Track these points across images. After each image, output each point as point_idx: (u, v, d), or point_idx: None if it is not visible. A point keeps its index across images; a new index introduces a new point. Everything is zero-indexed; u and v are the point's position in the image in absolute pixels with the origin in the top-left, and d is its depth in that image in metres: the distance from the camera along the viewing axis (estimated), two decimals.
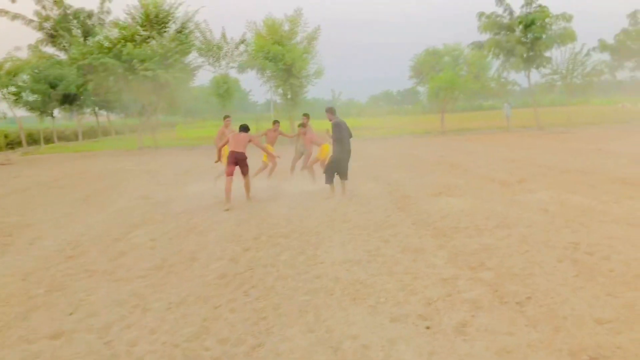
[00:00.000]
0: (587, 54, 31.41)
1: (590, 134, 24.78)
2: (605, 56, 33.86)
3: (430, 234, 6.83)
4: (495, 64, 30.94)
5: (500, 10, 30.39)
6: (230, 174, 9.53)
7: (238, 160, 9.61)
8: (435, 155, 17.29)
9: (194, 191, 11.68)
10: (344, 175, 9.89)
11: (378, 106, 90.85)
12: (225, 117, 11.91)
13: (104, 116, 53.65)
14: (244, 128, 9.97)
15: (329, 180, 9.85)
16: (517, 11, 30.34)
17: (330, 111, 9.76)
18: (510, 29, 30.41)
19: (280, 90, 29.32)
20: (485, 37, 31.25)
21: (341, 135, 9.55)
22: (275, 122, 12.29)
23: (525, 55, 29.73)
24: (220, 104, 30.48)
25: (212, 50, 29.27)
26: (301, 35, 28.84)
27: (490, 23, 30.40)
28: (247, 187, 9.99)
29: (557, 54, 50.50)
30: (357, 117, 60.46)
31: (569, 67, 31.18)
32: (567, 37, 29.00)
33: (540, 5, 29.42)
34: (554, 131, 28.43)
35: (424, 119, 44.83)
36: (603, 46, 33.81)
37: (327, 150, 11.41)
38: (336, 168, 9.73)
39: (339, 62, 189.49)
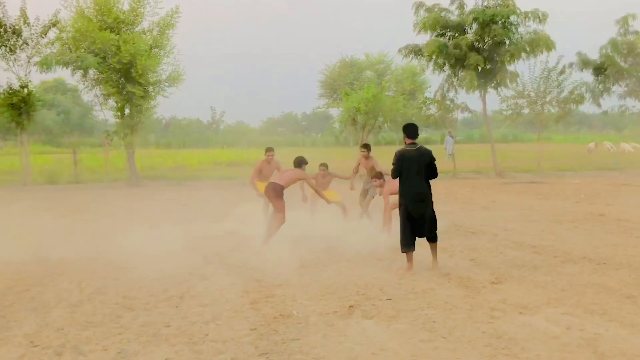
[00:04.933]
0: (562, 72, 31.06)
1: (573, 187, 24.54)
2: (586, 76, 34.23)
3: None
4: (437, 81, 30.40)
5: (447, 1, 30.74)
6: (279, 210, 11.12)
7: (272, 192, 11.07)
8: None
9: None
10: (425, 232, 9.45)
11: (276, 133, 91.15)
12: (268, 150, 13.59)
13: None
14: (299, 162, 11.55)
15: (404, 244, 9.39)
16: (471, 3, 30.82)
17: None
18: (460, 29, 30.32)
19: (112, 103, 27.45)
20: (424, 39, 31.00)
21: (402, 169, 9.43)
22: (322, 165, 13.81)
23: (480, 67, 29.58)
24: (16, 121, 26.62)
25: (5, 36, 26.22)
26: (149, 19, 27.54)
27: (433, 19, 30.03)
28: (271, 228, 11.10)
29: (523, 69, 51.60)
30: (246, 146, 59.44)
31: (539, 89, 30.59)
32: (540, 43, 28.97)
33: None
34: (520, 180, 28.34)
35: (336, 154, 43.33)
36: (584, 62, 33.88)
37: None
38: (409, 224, 9.37)
39: (224, 70, 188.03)
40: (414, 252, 9.30)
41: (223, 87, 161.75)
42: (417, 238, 9.36)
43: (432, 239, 9.42)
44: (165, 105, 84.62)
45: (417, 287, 8.22)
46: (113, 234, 12.27)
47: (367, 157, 13.54)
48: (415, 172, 9.32)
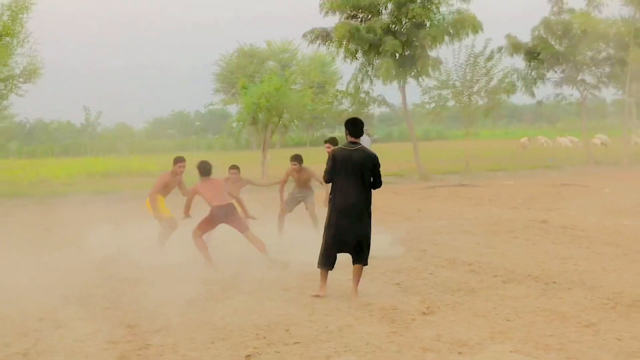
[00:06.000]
0: (491, 58, 31.78)
1: (507, 189, 24.93)
2: (518, 62, 35.16)
3: None
4: (349, 71, 30.59)
5: None
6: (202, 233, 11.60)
7: (225, 215, 11.49)
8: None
9: None
10: (351, 251, 9.25)
11: (165, 135, 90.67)
12: (179, 159, 13.09)
13: None
14: (209, 169, 11.82)
15: (323, 261, 9.33)
16: None
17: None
18: (373, 9, 30.62)
19: None
20: (333, 22, 31.21)
21: (334, 172, 9.29)
22: (233, 168, 13.63)
23: (398, 54, 29.96)
24: None
25: None
26: None
27: None
28: (257, 243, 11.44)
29: (447, 56, 52.72)
30: (128, 154, 59.06)
31: (465, 78, 31.23)
32: (465, 25, 29.39)
33: None
34: (448, 183, 28.81)
35: (237, 159, 42.98)
36: (514, 46, 34.70)
37: None
38: (333, 237, 9.26)
39: (99, 62, 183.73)
40: (329, 274, 9.22)
41: (99, 82, 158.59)
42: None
43: (359, 260, 9.15)
44: (29, 106, 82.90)
45: (332, 324, 7.83)
46: None
47: (299, 171, 13.79)
48: (350, 177, 9.13)
